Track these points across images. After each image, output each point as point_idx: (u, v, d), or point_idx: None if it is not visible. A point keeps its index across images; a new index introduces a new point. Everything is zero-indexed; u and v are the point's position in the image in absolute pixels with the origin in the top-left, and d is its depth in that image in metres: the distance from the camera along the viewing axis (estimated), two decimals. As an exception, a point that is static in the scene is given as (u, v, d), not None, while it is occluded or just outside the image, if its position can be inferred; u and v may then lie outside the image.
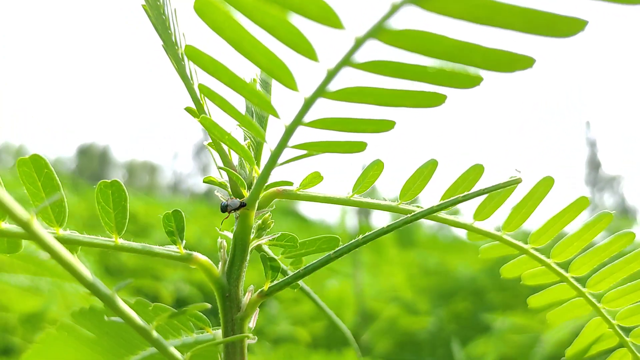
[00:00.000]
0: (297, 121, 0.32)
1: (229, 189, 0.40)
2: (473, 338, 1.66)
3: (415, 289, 2.24)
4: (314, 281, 2.41)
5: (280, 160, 0.35)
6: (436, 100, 0.32)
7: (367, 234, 0.37)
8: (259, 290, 0.39)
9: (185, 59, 0.39)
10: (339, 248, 0.38)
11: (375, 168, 0.42)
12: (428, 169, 0.43)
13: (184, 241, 0.39)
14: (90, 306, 0.55)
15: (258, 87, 0.40)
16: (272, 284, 0.39)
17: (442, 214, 0.44)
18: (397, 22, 0.28)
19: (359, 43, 0.28)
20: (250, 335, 0.38)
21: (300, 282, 0.48)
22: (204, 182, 0.41)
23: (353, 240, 0.37)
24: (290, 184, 0.40)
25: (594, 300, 0.47)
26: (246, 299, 0.39)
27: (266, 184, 0.39)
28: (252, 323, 0.41)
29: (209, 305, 0.35)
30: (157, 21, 0.38)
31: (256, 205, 0.38)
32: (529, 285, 0.50)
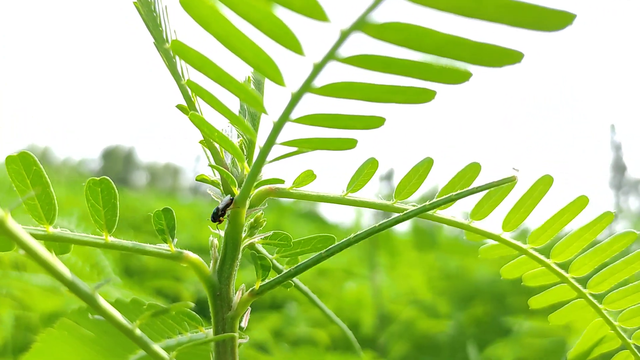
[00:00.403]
0: (285, 117, 0.32)
1: (221, 187, 0.40)
2: (493, 342, 1.65)
3: (434, 292, 2.24)
4: (333, 283, 2.43)
5: (270, 158, 0.35)
6: (426, 96, 0.32)
7: (358, 232, 0.37)
8: (250, 289, 0.39)
9: (177, 56, 0.39)
10: (330, 247, 0.38)
11: (370, 166, 0.42)
12: (424, 168, 0.43)
13: (175, 239, 0.39)
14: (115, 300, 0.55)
15: (251, 86, 0.40)
16: (263, 283, 0.39)
17: (439, 213, 0.44)
18: (385, 15, 0.28)
19: (344, 36, 0.28)
20: (236, 334, 0.38)
21: (297, 281, 0.48)
22: (196, 180, 0.41)
23: (344, 239, 0.37)
24: (282, 181, 0.40)
25: (595, 301, 0.47)
26: (237, 297, 0.39)
27: (257, 182, 0.39)
28: (244, 322, 0.41)
29: (191, 305, 0.35)
30: (147, 18, 0.38)
31: (247, 203, 0.38)
32: (530, 286, 0.49)
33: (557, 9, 0.27)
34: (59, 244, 0.39)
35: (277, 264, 0.45)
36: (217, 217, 0.39)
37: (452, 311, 2.15)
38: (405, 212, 0.38)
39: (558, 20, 0.27)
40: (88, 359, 0.57)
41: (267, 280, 0.39)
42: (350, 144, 0.35)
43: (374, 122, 0.34)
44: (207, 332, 0.41)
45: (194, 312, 0.42)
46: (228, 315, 0.38)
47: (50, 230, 0.37)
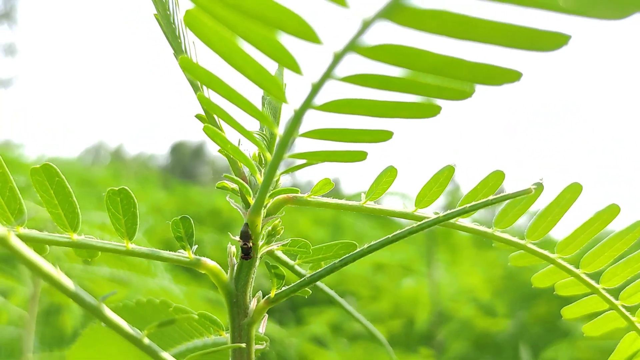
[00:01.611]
0: (290, 132, 0.34)
1: (240, 196, 0.43)
2: (556, 342, 1.64)
3: (494, 290, 2.23)
4: (390, 279, 2.46)
5: (281, 170, 0.37)
6: (431, 111, 0.33)
7: (372, 243, 0.39)
8: (266, 297, 0.42)
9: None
10: (344, 257, 0.40)
11: (389, 174, 0.44)
12: (444, 175, 0.44)
13: (195, 246, 0.42)
14: (137, 302, 0.59)
15: (266, 109, 0.42)
16: (279, 291, 0.42)
17: (462, 222, 0.45)
18: (379, 37, 0.29)
19: (337, 58, 0.29)
20: (242, 344, 0.40)
21: (321, 285, 0.50)
22: (217, 187, 0.44)
23: (357, 250, 0.39)
24: (297, 191, 0.42)
25: (627, 313, 0.47)
26: (253, 305, 0.41)
27: (272, 191, 0.41)
28: (261, 329, 0.44)
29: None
30: (167, 30, 0.41)
31: (263, 212, 0.41)
32: (562, 296, 0.50)
33: (551, 31, 0.28)
34: (86, 250, 0.43)
35: (300, 270, 0.47)
36: (248, 252, 0.41)
37: (513, 310, 2.13)
38: (422, 222, 0.39)
39: (552, 41, 0.28)
40: (128, 352, 0.60)
41: (282, 289, 0.42)
42: (360, 156, 0.37)
43: (382, 136, 0.35)
44: (227, 336, 0.44)
45: (215, 317, 0.45)
46: (244, 322, 0.41)
47: (75, 237, 0.40)
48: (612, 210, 0.45)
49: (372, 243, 0.39)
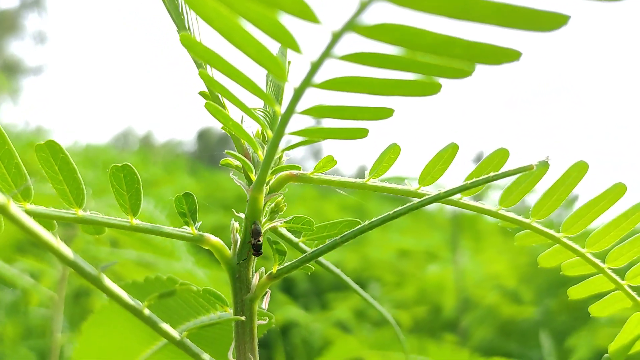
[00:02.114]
0: (290, 110, 0.35)
1: (243, 173, 0.44)
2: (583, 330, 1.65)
3: (520, 278, 2.25)
4: (415, 265, 2.49)
5: (281, 147, 0.38)
6: (431, 88, 0.34)
7: (373, 219, 0.40)
8: (268, 272, 0.43)
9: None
10: (345, 233, 0.40)
11: (392, 152, 0.45)
12: (448, 153, 0.45)
13: (199, 223, 0.43)
14: (145, 278, 0.61)
15: (268, 87, 0.43)
16: (281, 267, 0.43)
17: (465, 200, 0.46)
18: (378, 16, 0.30)
19: (336, 37, 0.30)
20: (242, 317, 0.41)
21: (326, 262, 0.51)
22: (221, 164, 0.45)
23: (358, 227, 0.40)
24: (298, 168, 0.43)
25: (634, 293, 0.48)
26: (255, 280, 0.43)
27: (274, 168, 0.42)
28: (264, 305, 0.45)
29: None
30: (170, 6, 0.42)
31: (265, 188, 0.42)
32: (569, 276, 0.51)
33: (550, 11, 0.28)
34: (93, 226, 0.44)
35: (306, 248, 0.48)
36: (259, 249, 0.43)
37: (539, 297, 2.14)
38: (422, 198, 0.40)
39: (551, 21, 0.29)
40: (136, 329, 0.62)
41: (284, 264, 0.43)
42: (361, 133, 0.38)
43: (383, 113, 0.36)
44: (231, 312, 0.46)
45: (219, 293, 0.46)
46: (247, 297, 0.42)
47: (80, 213, 0.42)
48: (619, 190, 0.45)
49: (372, 220, 0.40)
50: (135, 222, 0.42)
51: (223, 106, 0.43)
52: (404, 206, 0.39)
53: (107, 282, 0.37)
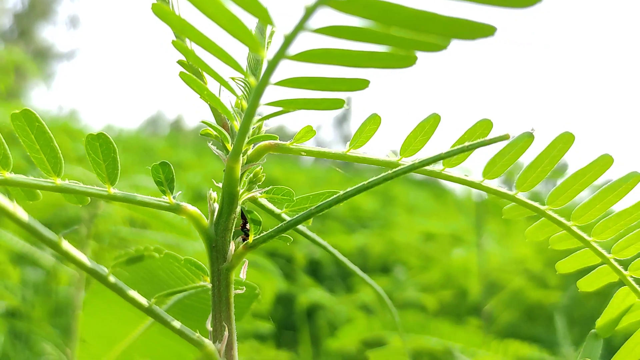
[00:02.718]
0: (264, 81, 0.35)
1: (221, 142, 0.45)
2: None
3: (546, 262, 2.26)
4: (441, 248, 2.52)
5: (257, 117, 0.39)
6: (406, 61, 0.34)
7: (347, 189, 0.41)
8: (245, 242, 0.44)
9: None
10: (320, 203, 0.41)
11: (372, 122, 0.46)
12: (430, 124, 0.45)
13: (178, 192, 0.44)
14: (135, 249, 0.62)
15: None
16: (257, 237, 0.44)
17: (448, 171, 0.47)
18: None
19: (309, 11, 0.31)
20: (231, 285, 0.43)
21: (305, 230, 0.52)
22: (201, 134, 0.46)
23: (333, 197, 0.41)
24: (275, 137, 0.44)
25: (620, 267, 0.49)
26: (231, 249, 0.44)
27: (250, 137, 0.43)
28: (242, 274, 0.46)
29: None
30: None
31: (241, 158, 0.42)
32: (557, 250, 0.51)
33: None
34: (75, 195, 0.46)
35: (287, 218, 0.49)
36: (248, 233, 0.44)
37: (567, 282, 2.15)
38: (396, 168, 0.41)
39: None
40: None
41: (261, 234, 0.44)
42: (337, 104, 0.38)
43: (358, 84, 0.37)
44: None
45: (200, 263, 0.47)
46: (223, 266, 0.44)
47: (58, 182, 0.43)
48: (605, 161, 0.46)
49: (347, 190, 0.41)
50: (113, 190, 0.43)
51: (202, 77, 0.44)
52: (379, 176, 0.40)
53: (67, 246, 0.38)
